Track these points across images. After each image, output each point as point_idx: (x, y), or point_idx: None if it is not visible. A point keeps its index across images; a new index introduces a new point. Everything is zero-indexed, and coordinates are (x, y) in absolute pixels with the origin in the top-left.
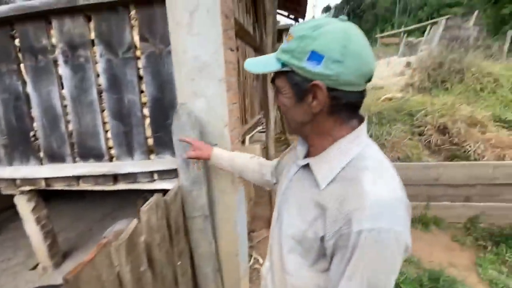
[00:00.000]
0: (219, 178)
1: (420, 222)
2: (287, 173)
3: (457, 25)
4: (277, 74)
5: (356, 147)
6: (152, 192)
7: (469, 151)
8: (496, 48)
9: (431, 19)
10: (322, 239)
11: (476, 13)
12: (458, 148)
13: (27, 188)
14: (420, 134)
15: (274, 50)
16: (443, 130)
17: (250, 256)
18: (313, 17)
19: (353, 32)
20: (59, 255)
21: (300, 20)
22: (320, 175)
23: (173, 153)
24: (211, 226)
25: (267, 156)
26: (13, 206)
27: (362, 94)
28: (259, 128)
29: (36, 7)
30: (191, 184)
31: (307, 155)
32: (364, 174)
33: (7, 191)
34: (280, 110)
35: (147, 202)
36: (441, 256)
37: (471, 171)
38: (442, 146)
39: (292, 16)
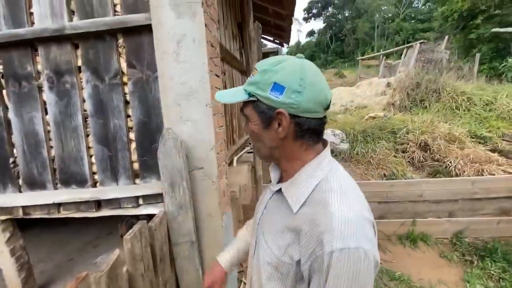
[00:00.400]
0: (205, 201)
1: (408, 239)
2: (262, 199)
3: (430, 48)
4: (245, 103)
5: (322, 170)
6: (136, 217)
7: (450, 167)
8: (466, 69)
9: (407, 42)
10: (298, 263)
11: (446, 37)
12: (440, 164)
13: (3, 217)
14: (404, 151)
15: None
16: (424, 147)
17: (240, 281)
18: (299, 41)
19: (308, 66)
20: None
21: (285, 44)
22: (291, 200)
23: (159, 177)
24: (197, 252)
25: (255, 176)
26: None
27: (322, 120)
28: (247, 148)
29: (22, 35)
30: (177, 209)
31: (280, 180)
32: (330, 196)
33: None
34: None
35: (131, 230)
36: (430, 273)
37: (452, 186)
38: (424, 163)
39: (277, 41)
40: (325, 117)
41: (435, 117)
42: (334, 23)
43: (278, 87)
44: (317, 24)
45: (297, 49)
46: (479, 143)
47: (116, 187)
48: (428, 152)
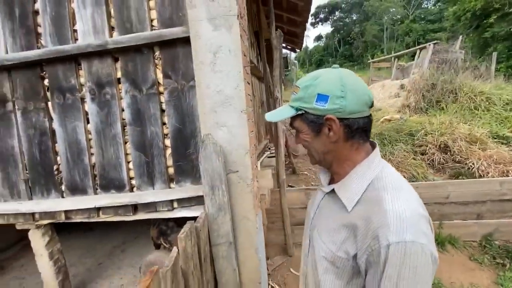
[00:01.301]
0: (240, 204)
1: (436, 241)
2: (313, 201)
3: (444, 49)
4: (294, 118)
5: (374, 169)
6: (166, 220)
7: (472, 168)
8: (483, 69)
9: (418, 44)
10: (354, 257)
11: (460, 37)
12: (462, 166)
13: (46, 221)
14: (423, 154)
15: (281, 80)
16: (444, 148)
17: (268, 284)
18: (307, 46)
19: (345, 73)
20: None
21: (297, 50)
22: (345, 199)
23: (193, 181)
24: (235, 253)
25: (278, 181)
26: (16, 244)
27: (369, 118)
28: (267, 153)
29: (68, 51)
30: (216, 211)
31: (331, 181)
32: (384, 194)
33: (23, 226)
34: (288, 148)
35: (182, 229)
36: (461, 276)
37: (479, 188)
38: (445, 164)
39: (289, 47)
40: (370, 114)
41: (453, 118)
42: (342, 27)
43: (322, 97)
44: (325, 29)
45: (305, 54)
46: (502, 143)
47: (152, 191)
48: (449, 153)
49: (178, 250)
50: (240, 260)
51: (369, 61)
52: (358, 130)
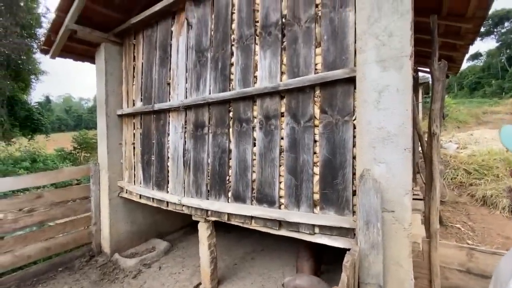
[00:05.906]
0: (393, 247)
1: None
2: None
3: None
4: None
5: None
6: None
7: None
8: None
9: None
10: None
11: None
12: None
13: (213, 219)
14: None
15: (442, 114)
16: None
17: None
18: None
19: None
20: (216, 281)
21: (449, 75)
22: None
23: (337, 211)
24: None
25: (428, 231)
26: (180, 229)
27: None
28: None
29: (249, 92)
30: (369, 248)
31: None
32: None
33: (196, 218)
34: None
35: (346, 259)
36: None
37: None
38: None
39: None
40: None
41: None
42: None
43: None
44: (485, 45)
45: (453, 77)
46: None
47: (297, 213)
48: None
49: (347, 277)
50: None
51: None
52: None
